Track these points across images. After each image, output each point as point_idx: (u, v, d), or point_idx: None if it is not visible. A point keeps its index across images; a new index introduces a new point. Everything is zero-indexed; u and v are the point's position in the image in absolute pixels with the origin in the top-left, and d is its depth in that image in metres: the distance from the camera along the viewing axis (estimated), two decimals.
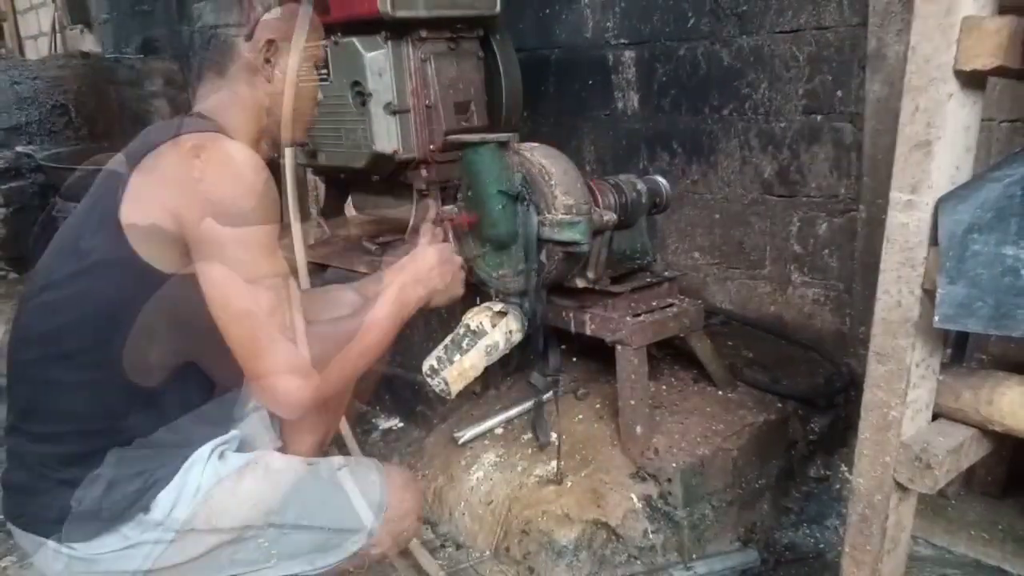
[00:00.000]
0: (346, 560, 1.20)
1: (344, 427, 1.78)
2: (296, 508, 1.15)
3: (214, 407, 1.19)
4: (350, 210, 2.41)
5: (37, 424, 1.12)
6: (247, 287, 1.05)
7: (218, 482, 1.13)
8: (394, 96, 1.92)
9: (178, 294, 1.07)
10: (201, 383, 1.17)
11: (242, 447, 1.22)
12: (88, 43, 5.77)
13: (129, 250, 1.06)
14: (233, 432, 1.21)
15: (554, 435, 1.74)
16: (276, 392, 1.08)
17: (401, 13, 1.86)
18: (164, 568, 1.11)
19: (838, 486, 1.81)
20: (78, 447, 1.09)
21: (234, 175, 1.08)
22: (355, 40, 1.91)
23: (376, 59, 1.91)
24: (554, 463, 1.67)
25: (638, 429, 1.63)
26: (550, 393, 1.76)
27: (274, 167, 1.93)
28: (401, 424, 2.07)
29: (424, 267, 1.32)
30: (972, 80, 0.99)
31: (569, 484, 1.63)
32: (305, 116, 1.34)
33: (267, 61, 1.25)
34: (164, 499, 1.10)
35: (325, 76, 1.95)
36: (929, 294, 1.01)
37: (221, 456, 1.16)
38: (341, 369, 1.16)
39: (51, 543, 1.09)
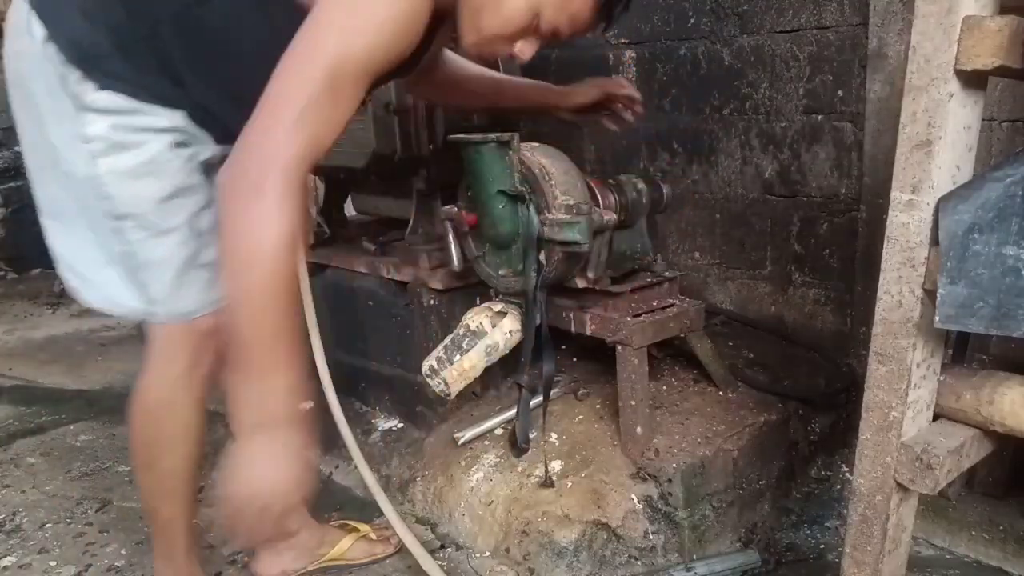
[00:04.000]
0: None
1: (344, 428, 1.78)
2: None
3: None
4: (350, 210, 2.41)
5: None
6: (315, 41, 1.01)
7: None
8: (394, 96, 1.91)
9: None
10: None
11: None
12: None
13: None
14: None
15: (552, 437, 1.74)
16: (260, 149, 0.99)
17: None
18: None
19: (839, 487, 1.80)
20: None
21: None
22: None
23: None
24: (554, 464, 1.67)
25: (638, 429, 1.63)
26: (539, 398, 1.69)
27: None
28: (401, 424, 2.07)
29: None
30: (973, 80, 0.99)
31: (569, 485, 1.62)
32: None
33: None
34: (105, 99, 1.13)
35: None
36: (930, 294, 1.01)
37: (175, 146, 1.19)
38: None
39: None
